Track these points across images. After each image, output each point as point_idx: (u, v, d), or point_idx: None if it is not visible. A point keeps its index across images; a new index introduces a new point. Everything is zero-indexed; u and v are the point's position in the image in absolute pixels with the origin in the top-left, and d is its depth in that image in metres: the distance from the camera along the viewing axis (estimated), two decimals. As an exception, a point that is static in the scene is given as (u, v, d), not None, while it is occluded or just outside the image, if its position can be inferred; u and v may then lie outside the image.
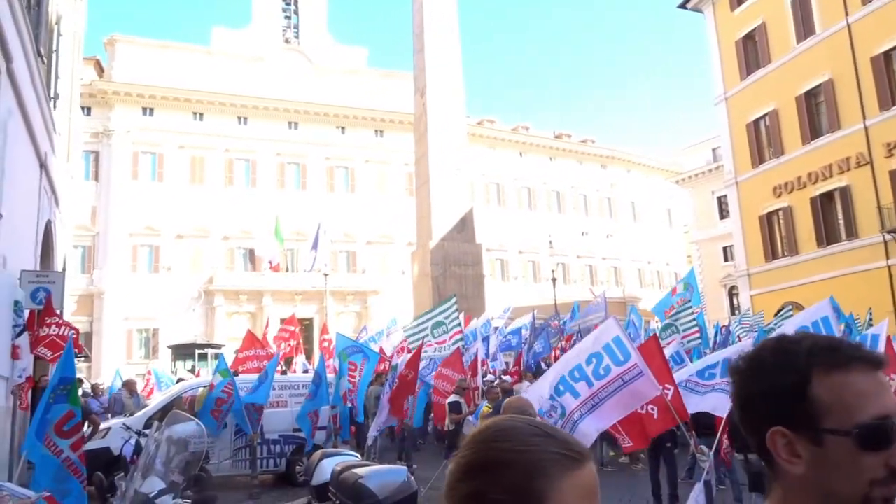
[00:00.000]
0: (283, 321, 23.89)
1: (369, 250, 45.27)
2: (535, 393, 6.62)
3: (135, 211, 39.89)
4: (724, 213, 39.25)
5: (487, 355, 15.42)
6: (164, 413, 7.54)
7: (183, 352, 31.91)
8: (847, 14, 26.40)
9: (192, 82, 42.52)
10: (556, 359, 14.48)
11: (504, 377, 14.78)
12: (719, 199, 41.20)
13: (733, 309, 37.99)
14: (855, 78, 26.02)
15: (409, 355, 10.24)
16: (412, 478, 3.28)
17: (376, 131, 47.19)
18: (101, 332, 38.43)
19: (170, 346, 33.38)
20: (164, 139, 41.81)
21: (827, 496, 0.98)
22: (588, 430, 6.25)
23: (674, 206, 57.74)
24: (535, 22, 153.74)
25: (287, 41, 46.86)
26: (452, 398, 9.92)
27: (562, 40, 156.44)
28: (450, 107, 24.82)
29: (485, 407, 9.50)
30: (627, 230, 55.93)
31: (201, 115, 43.07)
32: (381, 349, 16.20)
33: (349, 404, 10.33)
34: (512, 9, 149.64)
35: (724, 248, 40.58)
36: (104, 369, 33.41)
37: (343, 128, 46.21)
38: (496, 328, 18.67)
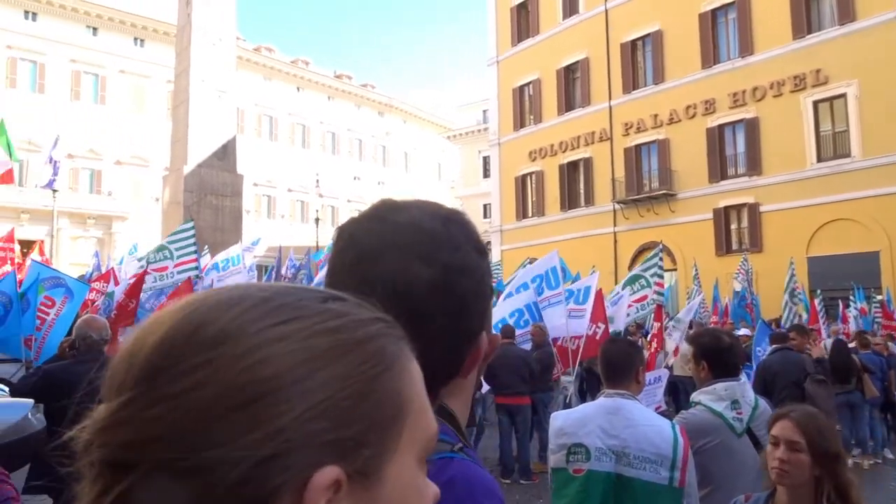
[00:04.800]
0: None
1: (119, 171, 40.80)
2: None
3: None
4: (487, 172, 41.50)
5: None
6: None
7: None
8: (606, 0, 28.84)
9: None
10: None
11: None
12: (484, 158, 43.45)
13: (486, 262, 40.47)
14: (606, 60, 28.65)
15: (131, 282, 9.17)
16: (38, 415, 2.66)
17: (136, 39, 42.23)
18: None
19: None
20: None
21: None
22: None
23: (444, 160, 59.86)
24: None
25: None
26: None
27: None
28: (218, 22, 22.88)
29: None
30: (399, 180, 56.95)
31: None
32: (98, 278, 14.18)
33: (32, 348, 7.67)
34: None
35: (485, 206, 43.04)
36: None
37: (95, 29, 40.61)
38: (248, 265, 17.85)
